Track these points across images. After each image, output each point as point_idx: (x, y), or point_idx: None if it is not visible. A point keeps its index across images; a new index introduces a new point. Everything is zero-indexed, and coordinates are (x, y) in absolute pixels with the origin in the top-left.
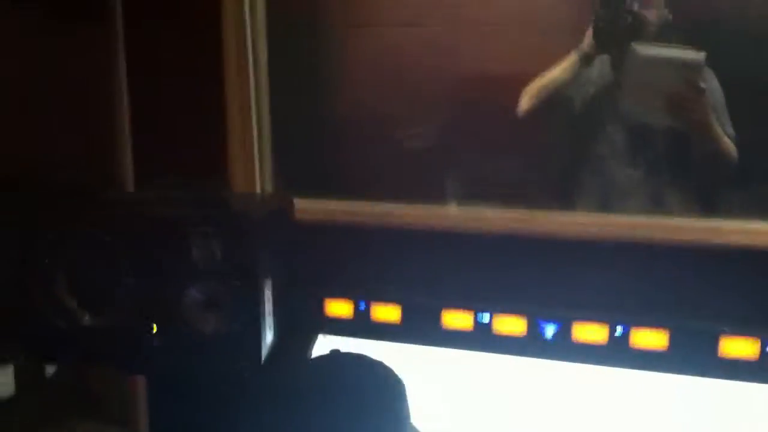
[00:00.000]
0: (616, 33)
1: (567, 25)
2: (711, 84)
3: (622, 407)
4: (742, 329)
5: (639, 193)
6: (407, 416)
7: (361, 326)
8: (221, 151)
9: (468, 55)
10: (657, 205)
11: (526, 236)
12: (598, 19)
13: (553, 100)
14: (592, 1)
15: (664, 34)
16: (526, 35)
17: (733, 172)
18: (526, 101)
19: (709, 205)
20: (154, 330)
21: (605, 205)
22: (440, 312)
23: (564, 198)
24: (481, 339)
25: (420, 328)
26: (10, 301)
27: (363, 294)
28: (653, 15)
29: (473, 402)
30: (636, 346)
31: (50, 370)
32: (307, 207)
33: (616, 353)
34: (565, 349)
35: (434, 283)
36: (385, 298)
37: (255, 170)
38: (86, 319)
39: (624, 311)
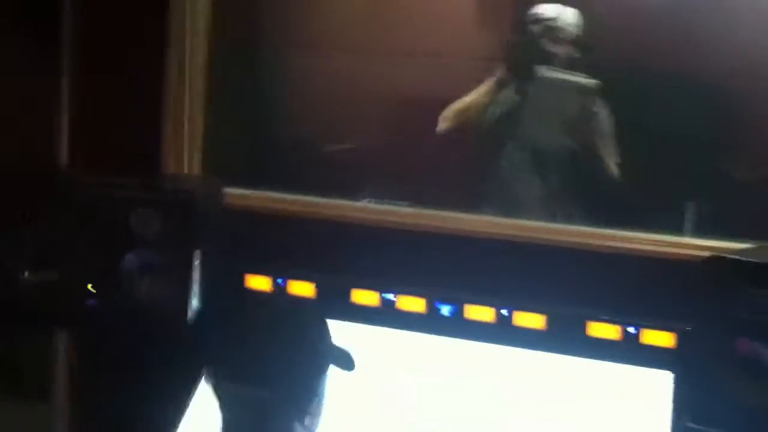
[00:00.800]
0: (524, 61)
1: (482, 55)
2: (601, 113)
3: (505, 381)
4: (607, 316)
5: (534, 202)
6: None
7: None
8: (156, 144)
9: (396, 80)
10: (550, 213)
11: (434, 232)
12: (509, 47)
13: (468, 121)
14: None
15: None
16: (447, 64)
17: (613, 190)
18: (445, 123)
19: (591, 215)
20: (91, 289)
21: (506, 210)
22: (350, 290)
23: (472, 203)
24: (388, 316)
25: (332, 303)
26: None
27: (281, 272)
28: (560, 50)
29: (376, 373)
30: (518, 325)
31: None
32: (237, 195)
33: (502, 332)
34: (458, 326)
35: (347, 267)
36: (301, 277)
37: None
38: (26, 275)
39: (509, 298)
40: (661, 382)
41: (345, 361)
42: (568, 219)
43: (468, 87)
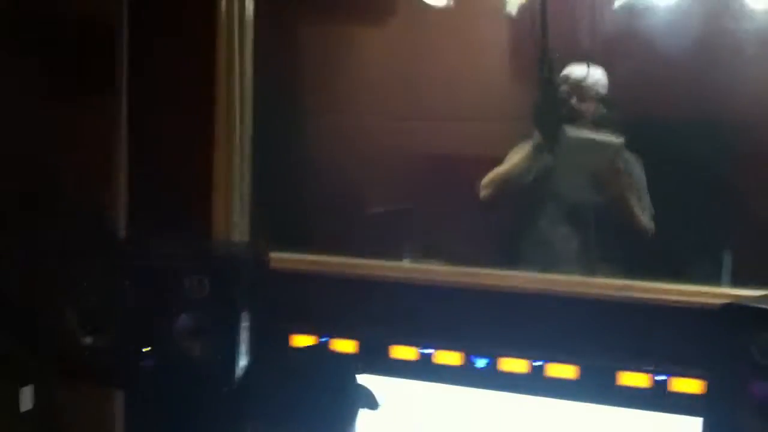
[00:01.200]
0: (552, 120)
1: (513, 115)
2: (634, 168)
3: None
4: (637, 365)
5: (571, 256)
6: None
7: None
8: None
9: (432, 143)
10: (588, 268)
11: (472, 289)
12: (537, 108)
13: (508, 188)
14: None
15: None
16: (476, 125)
17: (648, 242)
18: (485, 191)
19: (627, 268)
20: (148, 350)
21: (544, 266)
22: (389, 346)
23: (510, 259)
24: (425, 370)
25: (372, 358)
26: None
27: (324, 330)
28: (588, 108)
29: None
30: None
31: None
32: (282, 258)
33: (535, 383)
34: (493, 378)
35: (386, 323)
36: (343, 335)
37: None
38: (88, 339)
39: (542, 350)
40: (690, 428)
41: (370, 401)
42: (606, 273)
43: (502, 147)
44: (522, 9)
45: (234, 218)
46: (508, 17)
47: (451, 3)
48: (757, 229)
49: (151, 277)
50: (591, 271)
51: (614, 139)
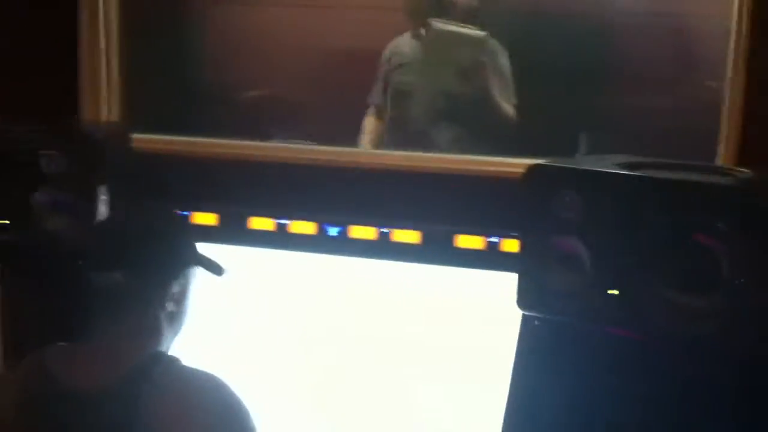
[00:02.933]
0: (422, 10)
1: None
2: (500, 60)
3: (386, 292)
4: (473, 229)
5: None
6: None
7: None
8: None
9: (306, 30)
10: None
11: (328, 166)
12: None
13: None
14: None
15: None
16: (361, 15)
17: (511, 128)
18: None
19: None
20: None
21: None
22: (248, 218)
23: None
24: (281, 239)
25: (232, 230)
26: None
27: (185, 205)
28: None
29: (274, 290)
30: (396, 242)
31: None
32: (147, 139)
33: (382, 248)
34: (344, 245)
35: (247, 199)
36: (204, 209)
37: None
38: None
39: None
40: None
41: (214, 267)
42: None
43: (382, 37)
44: None
45: (101, 103)
46: None
47: None
48: (611, 115)
49: (9, 155)
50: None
51: (478, 32)
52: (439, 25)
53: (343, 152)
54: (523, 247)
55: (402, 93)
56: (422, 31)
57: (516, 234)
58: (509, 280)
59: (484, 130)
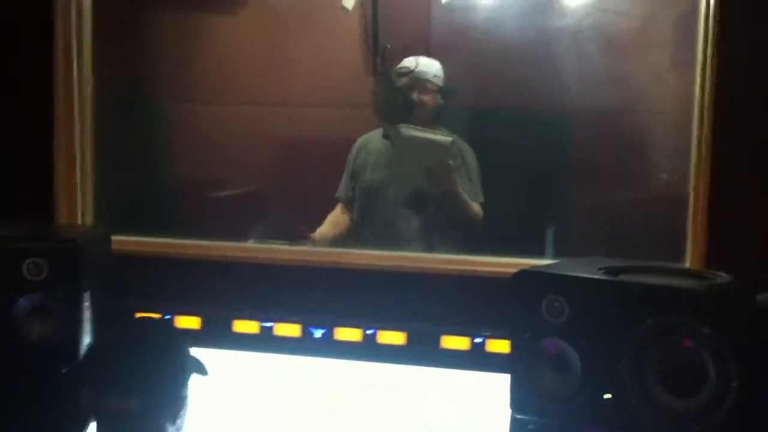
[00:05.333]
0: (391, 112)
1: (360, 103)
2: (468, 159)
3: (372, 393)
4: (458, 330)
5: (412, 237)
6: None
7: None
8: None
9: (276, 128)
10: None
11: (310, 266)
12: (376, 100)
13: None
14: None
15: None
16: (323, 112)
17: (478, 226)
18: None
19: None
20: None
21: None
22: (231, 321)
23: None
24: (266, 342)
25: (216, 333)
26: None
27: (168, 309)
28: (428, 100)
29: (260, 393)
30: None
31: None
32: (125, 241)
33: (368, 350)
34: (329, 347)
35: (230, 301)
36: (187, 312)
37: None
38: None
39: (375, 318)
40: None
41: (200, 368)
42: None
43: (350, 131)
44: (357, 2)
45: (78, 207)
46: (345, 10)
47: None
48: (575, 210)
49: None
50: (431, 249)
51: (446, 138)
52: (409, 131)
53: (326, 252)
54: (513, 350)
55: (371, 189)
56: (391, 132)
57: (501, 335)
58: (495, 381)
59: (453, 227)
